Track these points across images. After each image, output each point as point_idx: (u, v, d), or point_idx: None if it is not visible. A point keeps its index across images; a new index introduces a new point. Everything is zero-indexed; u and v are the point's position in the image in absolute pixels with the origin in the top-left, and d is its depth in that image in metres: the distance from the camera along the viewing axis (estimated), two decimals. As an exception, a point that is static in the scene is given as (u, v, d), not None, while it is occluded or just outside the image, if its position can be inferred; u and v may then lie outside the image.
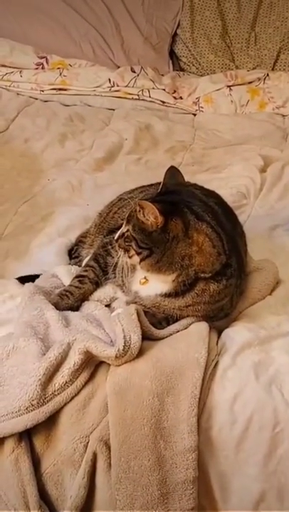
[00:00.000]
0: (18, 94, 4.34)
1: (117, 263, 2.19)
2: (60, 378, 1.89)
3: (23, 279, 2.33)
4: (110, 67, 4.57)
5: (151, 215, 1.99)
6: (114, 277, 2.22)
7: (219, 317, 2.14)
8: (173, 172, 2.21)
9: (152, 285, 2.09)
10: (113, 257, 2.22)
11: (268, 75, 4.49)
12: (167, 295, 2.07)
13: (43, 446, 1.90)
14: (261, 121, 4.16)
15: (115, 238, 2.12)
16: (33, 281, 2.31)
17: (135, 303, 2.09)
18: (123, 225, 2.10)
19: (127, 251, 2.07)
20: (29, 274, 2.38)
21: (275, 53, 4.66)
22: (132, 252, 2.05)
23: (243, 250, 2.25)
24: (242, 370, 1.96)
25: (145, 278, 2.10)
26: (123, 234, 2.08)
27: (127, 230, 2.06)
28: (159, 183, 2.25)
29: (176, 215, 2.01)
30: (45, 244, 2.64)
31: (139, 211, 2.01)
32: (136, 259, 2.05)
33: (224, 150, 3.79)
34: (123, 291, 2.20)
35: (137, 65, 4.54)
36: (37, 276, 2.36)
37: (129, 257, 2.07)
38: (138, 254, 2.04)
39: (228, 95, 4.40)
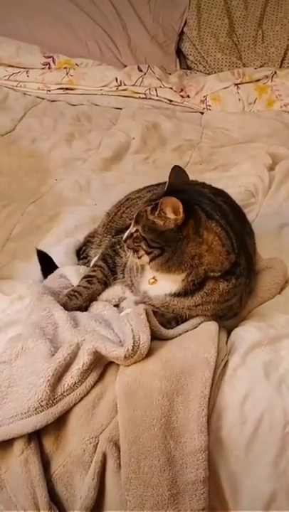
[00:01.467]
0: (24, 94, 4.33)
1: (125, 263, 2.19)
2: (69, 379, 1.89)
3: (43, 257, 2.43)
4: (117, 66, 4.56)
5: (172, 212, 1.98)
6: (123, 277, 2.21)
7: (228, 316, 2.13)
8: (177, 171, 2.19)
9: (161, 285, 2.08)
10: (122, 257, 2.22)
11: (275, 72, 4.47)
12: (176, 294, 2.06)
13: (52, 447, 1.90)
14: (269, 119, 4.14)
15: (123, 239, 2.11)
16: (50, 263, 2.40)
17: (144, 303, 2.09)
18: (131, 226, 2.09)
19: (135, 251, 2.06)
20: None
21: (283, 51, 4.64)
22: (142, 252, 2.04)
23: (251, 249, 2.25)
24: (252, 369, 1.96)
25: (154, 278, 2.09)
26: (131, 234, 2.07)
27: (136, 231, 2.05)
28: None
29: (188, 214, 2.00)
30: (53, 245, 2.62)
31: (152, 210, 2.00)
32: (145, 259, 2.04)
33: (232, 148, 3.78)
34: (132, 291, 2.19)
35: (143, 64, 4.53)
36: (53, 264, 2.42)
37: (138, 258, 2.06)
38: (148, 253, 2.02)
39: (236, 93, 4.38)
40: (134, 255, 2.08)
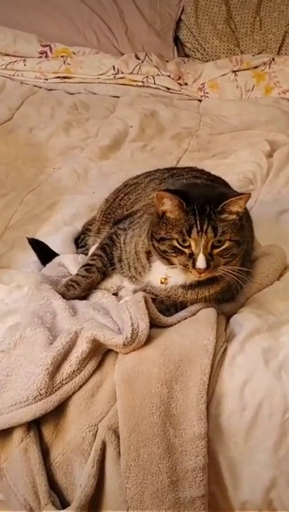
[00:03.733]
0: (22, 83, 4.33)
1: (121, 256, 2.17)
2: (67, 367, 1.89)
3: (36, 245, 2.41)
4: (114, 54, 4.55)
5: (244, 205, 1.96)
6: (121, 268, 2.18)
7: (226, 299, 2.12)
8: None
9: (174, 279, 2.04)
10: (118, 248, 2.19)
11: (273, 59, 4.45)
12: (194, 286, 2.04)
13: (51, 435, 1.90)
14: (267, 106, 4.13)
15: (204, 268, 1.90)
16: (45, 249, 2.39)
17: (144, 291, 2.08)
18: (204, 247, 1.91)
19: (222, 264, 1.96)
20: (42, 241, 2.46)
21: (281, 37, 4.61)
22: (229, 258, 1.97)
23: (249, 235, 2.24)
24: (251, 356, 1.95)
25: (166, 278, 2.05)
26: (211, 254, 1.92)
27: (221, 242, 1.93)
28: (165, 169, 2.23)
29: None
30: (52, 233, 2.63)
31: (229, 211, 1.94)
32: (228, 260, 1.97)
33: (230, 136, 3.77)
34: (132, 282, 2.18)
35: (141, 52, 4.52)
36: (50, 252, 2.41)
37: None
38: (237, 254, 1.98)
39: (234, 80, 4.37)
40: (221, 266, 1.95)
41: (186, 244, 1.92)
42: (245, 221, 2.03)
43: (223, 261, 1.94)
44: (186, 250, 1.92)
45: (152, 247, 2.01)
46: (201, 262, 1.90)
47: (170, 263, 1.97)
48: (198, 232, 1.90)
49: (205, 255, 1.91)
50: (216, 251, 1.93)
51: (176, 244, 1.93)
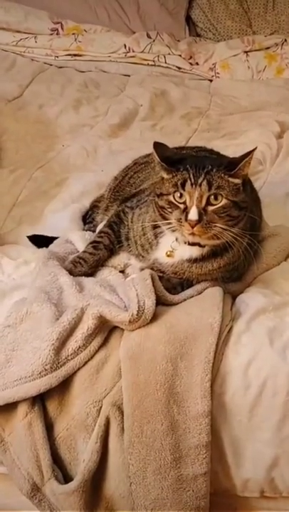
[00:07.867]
0: (32, 60, 4.33)
1: (128, 234, 2.17)
2: (73, 343, 1.89)
3: (35, 239, 2.36)
4: (126, 32, 4.54)
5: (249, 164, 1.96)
6: (128, 246, 2.19)
7: (233, 278, 2.12)
8: (162, 145, 2.09)
9: (180, 252, 2.05)
10: (126, 226, 2.19)
11: (285, 40, 4.43)
12: (199, 259, 2.03)
13: (56, 410, 1.91)
14: (278, 87, 4.12)
15: (195, 219, 1.89)
16: (45, 242, 2.32)
17: (152, 269, 2.08)
18: (198, 202, 1.91)
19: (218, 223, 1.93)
20: (41, 235, 2.40)
21: (293, 18, 4.61)
22: (226, 221, 1.94)
23: (257, 215, 2.23)
24: (256, 335, 1.95)
25: (172, 251, 2.05)
26: (205, 209, 1.92)
27: (218, 199, 1.92)
28: (175, 148, 2.23)
29: None
30: (60, 210, 2.63)
31: (231, 173, 1.94)
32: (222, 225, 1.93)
33: (240, 116, 3.76)
34: (139, 260, 2.18)
35: (152, 31, 4.50)
36: (49, 238, 2.36)
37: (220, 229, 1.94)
38: (236, 218, 1.95)
39: (245, 61, 4.35)
40: (217, 224, 1.93)
41: (182, 200, 1.93)
42: (249, 192, 2.03)
43: (220, 220, 1.93)
44: (181, 205, 1.93)
45: (154, 204, 2.03)
46: (193, 213, 1.90)
47: (166, 219, 1.97)
48: (191, 184, 1.92)
49: (198, 208, 1.91)
50: (211, 208, 1.92)
51: (172, 199, 1.95)
